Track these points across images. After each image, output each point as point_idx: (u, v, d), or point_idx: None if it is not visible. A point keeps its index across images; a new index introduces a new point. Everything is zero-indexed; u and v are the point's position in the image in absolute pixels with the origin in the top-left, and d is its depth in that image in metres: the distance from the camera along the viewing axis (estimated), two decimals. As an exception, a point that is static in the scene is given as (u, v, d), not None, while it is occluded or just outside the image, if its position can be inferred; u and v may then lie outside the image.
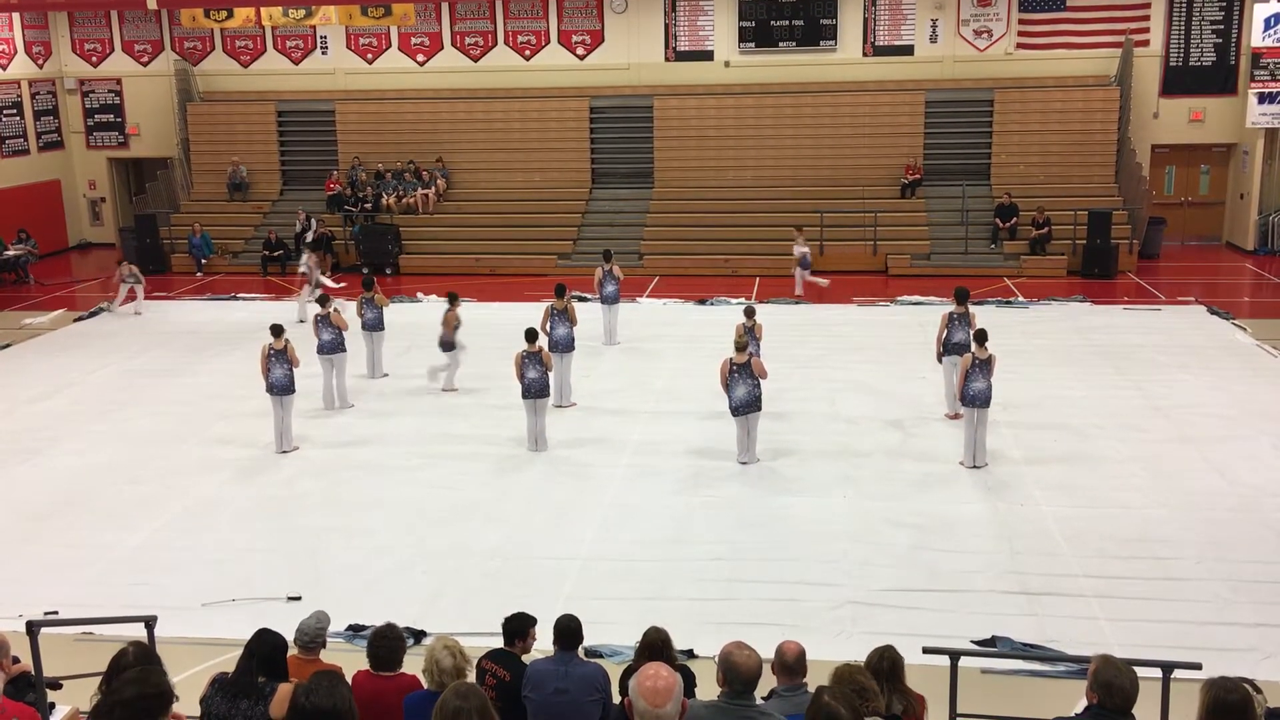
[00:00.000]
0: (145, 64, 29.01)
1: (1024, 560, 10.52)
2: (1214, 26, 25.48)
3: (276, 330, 13.91)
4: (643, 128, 26.99)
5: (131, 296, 21.83)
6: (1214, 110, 25.82)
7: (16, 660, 6.19)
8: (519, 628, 6.56)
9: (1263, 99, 24.78)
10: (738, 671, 4.79)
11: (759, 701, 5.09)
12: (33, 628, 6.69)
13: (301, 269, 20.55)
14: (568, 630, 6.34)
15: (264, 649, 5.49)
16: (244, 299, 23.04)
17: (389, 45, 28.08)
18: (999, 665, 8.66)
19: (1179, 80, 25.80)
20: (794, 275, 21.88)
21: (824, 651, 7.66)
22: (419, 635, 9.00)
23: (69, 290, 24.62)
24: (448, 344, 16.12)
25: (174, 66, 28.46)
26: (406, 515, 11.90)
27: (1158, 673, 6.37)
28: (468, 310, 21.47)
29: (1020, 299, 21.27)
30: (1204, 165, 26.75)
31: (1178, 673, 6.43)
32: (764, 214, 25.33)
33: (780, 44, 26.61)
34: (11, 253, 25.36)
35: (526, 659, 6.55)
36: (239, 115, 28.23)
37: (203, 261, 25.84)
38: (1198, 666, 6.51)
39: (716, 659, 4.95)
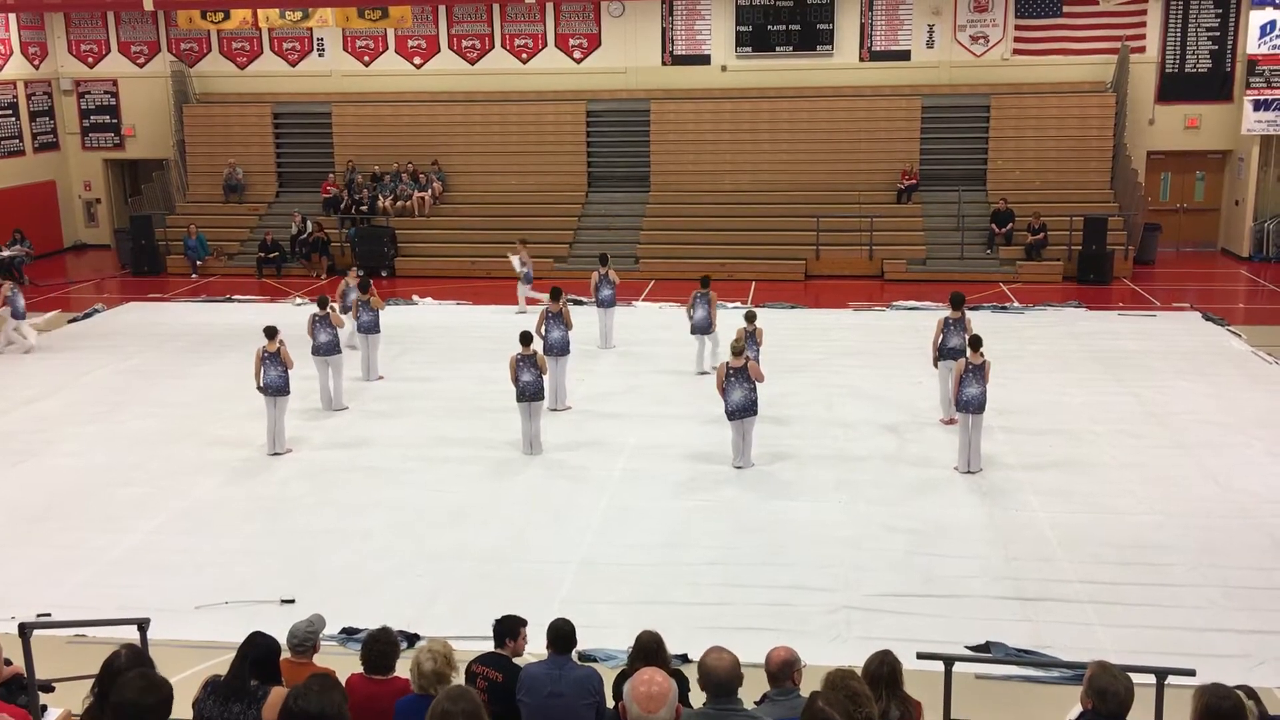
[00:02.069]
0: (141, 65, 29.00)
1: (1019, 566, 10.52)
2: (1210, 33, 25.55)
3: (270, 332, 13.89)
4: (639, 131, 27.00)
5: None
6: (1209, 117, 25.88)
7: (9, 662, 6.17)
8: (509, 628, 6.56)
9: (1258, 106, 24.84)
10: (712, 675, 4.81)
11: (750, 706, 5.10)
12: (25, 630, 6.67)
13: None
14: (562, 634, 6.33)
15: (257, 652, 5.48)
16: (239, 301, 23.02)
17: (386, 48, 28.08)
18: (993, 671, 8.65)
19: (1175, 87, 25.86)
20: (517, 290, 21.17)
21: (819, 656, 7.68)
22: (413, 639, 8.97)
23: (64, 291, 24.58)
24: (703, 326, 16.45)
25: (170, 68, 28.45)
26: (402, 518, 11.88)
27: (1152, 679, 6.37)
28: (462, 314, 21.55)
29: (1016, 304, 21.30)
30: (1199, 172, 26.80)
31: (1172, 679, 6.43)
32: (760, 218, 25.36)
33: (777, 49, 26.64)
34: (6, 254, 25.30)
35: (519, 661, 6.55)
36: (235, 117, 28.22)
37: (198, 263, 25.82)
38: (1191, 673, 6.51)
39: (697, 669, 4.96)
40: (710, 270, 23.48)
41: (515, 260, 21.11)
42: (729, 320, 17.35)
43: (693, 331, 16.92)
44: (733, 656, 4.88)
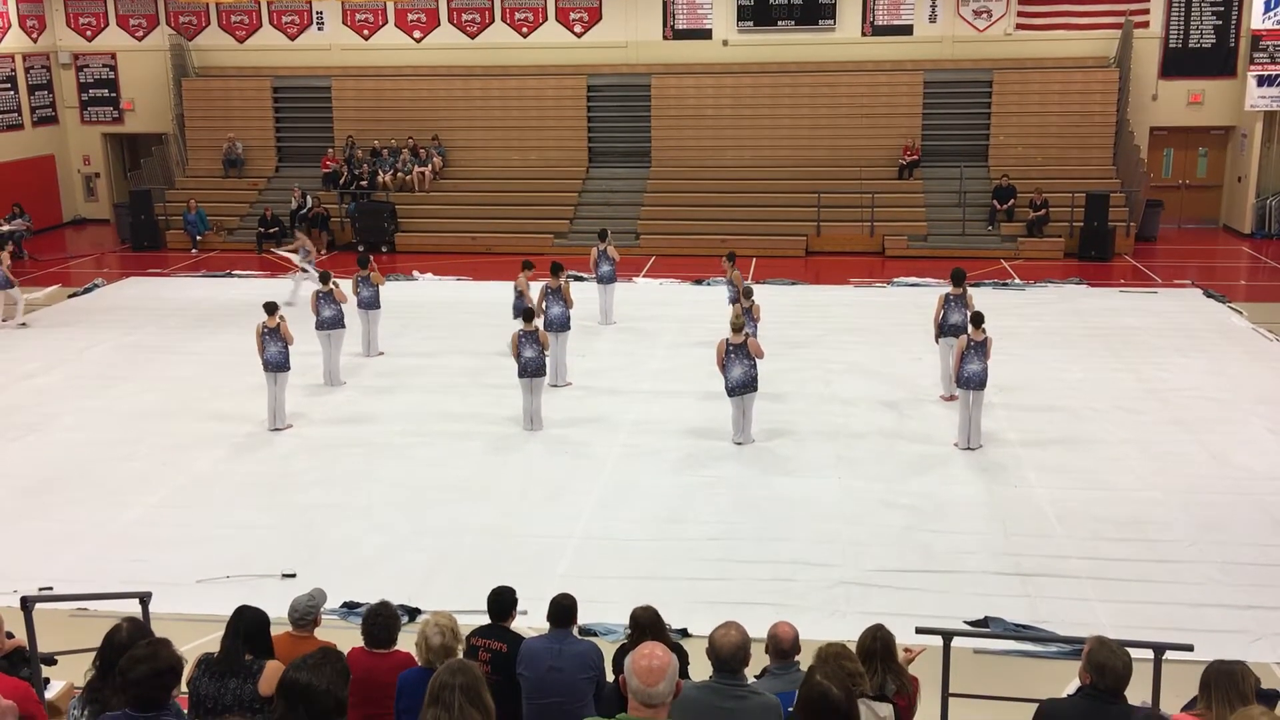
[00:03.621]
0: (140, 39, 28.83)
1: (1017, 541, 10.55)
2: (1214, 8, 25.38)
3: (270, 308, 13.89)
4: (640, 106, 26.89)
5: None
6: (1213, 92, 25.75)
7: (11, 635, 6.20)
8: (512, 601, 6.56)
9: (1262, 81, 24.72)
10: (716, 650, 4.85)
11: (750, 680, 5.12)
12: (27, 603, 6.71)
13: None
14: (562, 608, 6.36)
15: (247, 626, 5.46)
16: (239, 276, 22.98)
17: (385, 21, 27.90)
18: (992, 646, 8.70)
19: (1178, 62, 25.72)
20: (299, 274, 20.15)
21: (818, 631, 7.69)
22: (413, 613, 9.01)
23: (64, 266, 24.55)
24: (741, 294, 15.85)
25: (169, 41, 28.29)
26: (402, 493, 11.90)
27: (1149, 654, 6.39)
28: (462, 289, 21.54)
29: (1017, 281, 21.27)
30: (1202, 148, 26.70)
31: (1169, 654, 6.46)
32: (761, 194, 25.28)
33: (779, 23, 26.48)
34: (6, 228, 25.26)
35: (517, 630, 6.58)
36: (234, 91, 28.10)
37: (198, 238, 25.76)
38: (1189, 648, 6.55)
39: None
40: (712, 247, 23.54)
41: (290, 253, 20.16)
42: (725, 297, 17.36)
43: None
44: (739, 635, 4.88)
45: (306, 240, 20.68)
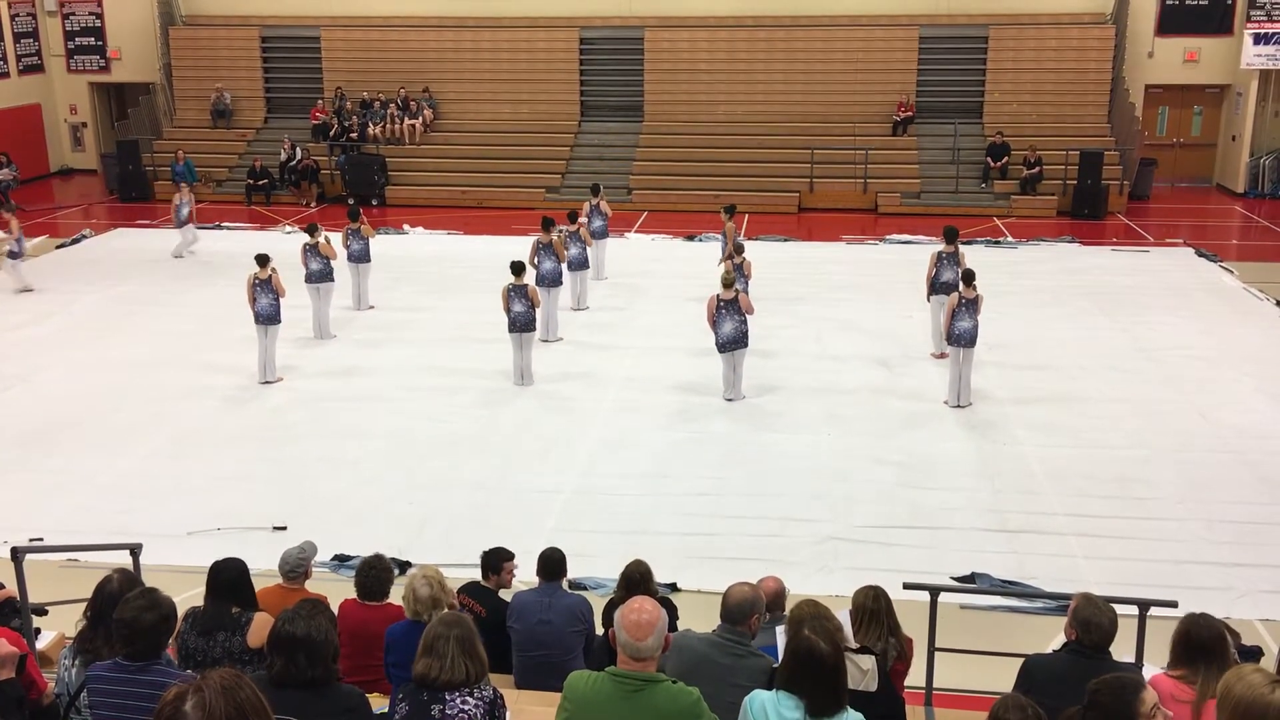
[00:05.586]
0: (127, -15, 28.42)
1: (1005, 498, 10.61)
2: (1212, -35, 25.18)
3: (262, 260, 13.81)
4: (633, 60, 26.62)
5: None
6: (1209, 50, 25.59)
7: (2, 586, 6.22)
8: (494, 562, 6.63)
9: (1258, 40, 24.56)
10: (725, 600, 4.91)
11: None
12: (18, 554, 6.72)
13: None
14: (551, 562, 6.41)
15: (228, 575, 5.45)
16: (228, 228, 22.83)
17: (375, -30, 27.53)
18: (978, 601, 8.76)
19: (1175, 19, 25.53)
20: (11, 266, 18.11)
21: (806, 586, 7.77)
22: (404, 566, 9.04)
23: (51, 216, 24.35)
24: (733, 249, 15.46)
25: (156, -11, 27.90)
26: (392, 447, 11.90)
27: (1134, 610, 6.45)
28: (453, 244, 21.43)
29: (1009, 239, 21.23)
30: (1197, 106, 26.57)
31: (1154, 610, 6.51)
32: (755, 150, 25.14)
33: (774, -25, 26.19)
34: (-7, 178, 25.05)
35: (509, 593, 6.63)
36: (222, 40, 27.74)
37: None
38: (1174, 604, 6.60)
39: None
40: (704, 202, 23.42)
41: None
42: (717, 253, 17.31)
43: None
44: (749, 591, 4.95)
45: (14, 221, 18.42)
